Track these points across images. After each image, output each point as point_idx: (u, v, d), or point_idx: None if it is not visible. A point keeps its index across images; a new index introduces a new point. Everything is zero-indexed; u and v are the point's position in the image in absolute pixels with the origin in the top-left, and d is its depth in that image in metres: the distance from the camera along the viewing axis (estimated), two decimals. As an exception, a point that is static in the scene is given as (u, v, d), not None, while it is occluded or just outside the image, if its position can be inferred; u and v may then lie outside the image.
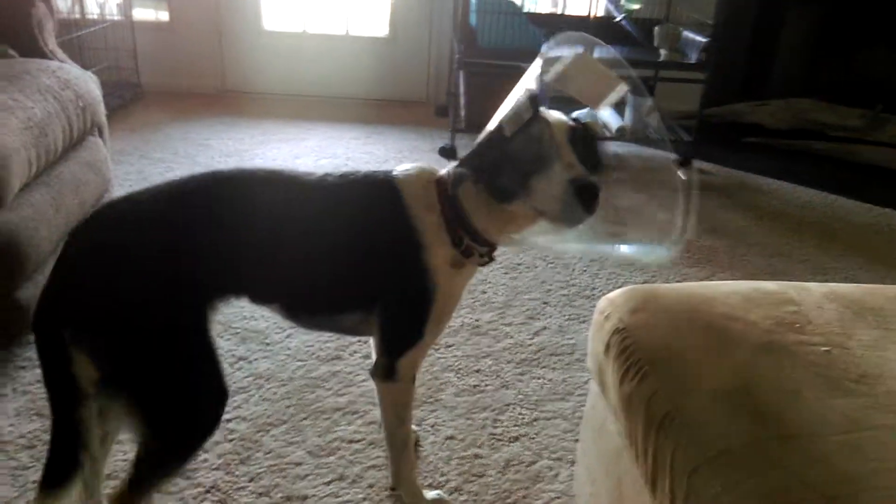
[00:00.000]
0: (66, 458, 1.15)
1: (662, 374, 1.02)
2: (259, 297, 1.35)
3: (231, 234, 1.21)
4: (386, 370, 1.33)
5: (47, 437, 1.21)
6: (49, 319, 1.13)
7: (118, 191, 2.61)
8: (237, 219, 1.22)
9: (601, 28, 3.99)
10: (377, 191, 1.28)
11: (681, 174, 1.35)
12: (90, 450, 1.16)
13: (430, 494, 1.54)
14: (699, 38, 3.69)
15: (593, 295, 2.46)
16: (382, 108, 4.55)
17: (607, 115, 3.92)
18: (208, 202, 1.23)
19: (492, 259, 1.31)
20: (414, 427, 1.66)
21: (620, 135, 3.87)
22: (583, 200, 1.07)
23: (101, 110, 2.46)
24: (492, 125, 1.20)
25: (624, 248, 1.16)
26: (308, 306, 1.37)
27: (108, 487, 1.32)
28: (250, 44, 4.53)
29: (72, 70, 2.38)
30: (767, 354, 1.03)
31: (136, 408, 1.15)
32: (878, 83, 3.94)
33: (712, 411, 0.93)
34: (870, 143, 3.81)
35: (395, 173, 1.30)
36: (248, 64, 4.56)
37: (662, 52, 3.82)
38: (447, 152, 3.77)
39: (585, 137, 1.16)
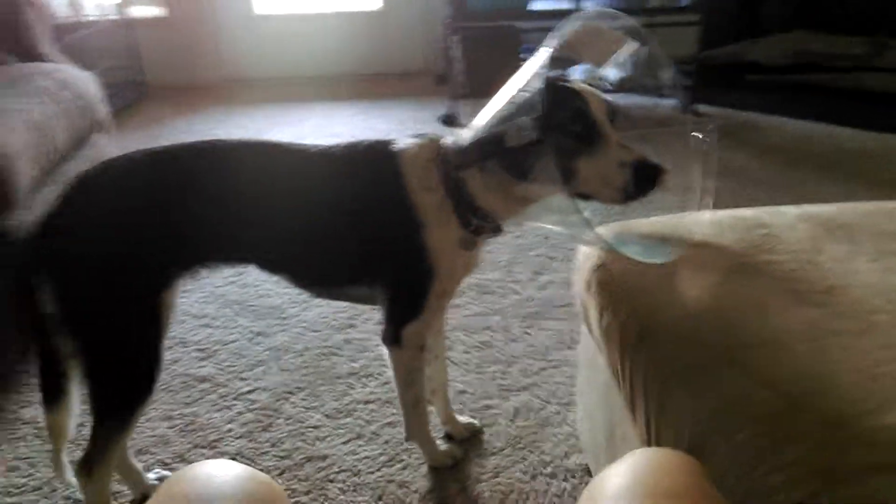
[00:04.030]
0: (52, 383, 1.26)
1: (637, 301, 1.06)
2: (265, 267, 1.38)
3: (224, 201, 1.24)
4: (392, 337, 1.36)
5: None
6: (25, 253, 1.21)
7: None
8: (232, 186, 1.25)
9: (592, -20, 3.97)
10: (377, 167, 1.26)
11: (698, 136, 1.24)
12: (71, 377, 1.25)
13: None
14: (690, -20, 3.66)
15: (597, 245, 2.50)
16: (382, 82, 4.59)
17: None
18: (203, 168, 1.26)
19: (501, 230, 1.30)
20: (471, 419, 1.72)
21: (620, 86, 3.87)
22: (646, 182, 1.05)
23: (102, 108, 2.54)
24: (492, 109, 1.15)
25: (625, 249, 1.13)
26: (312, 278, 1.40)
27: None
28: (244, 30, 4.59)
29: (69, 71, 2.46)
30: (736, 275, 1.07)
31: (80, 355, 1.21)
32: (878, 8, 3.87)
33: (682, 329, 0.97)
34: (871, 70, 3.76)
35: (397, 147, 1.26)
36: (245, 51, 4.62)
37: (654, -2, 3.80)
38: (449, 119, 3.80)
39: (614, 110, 1.13)
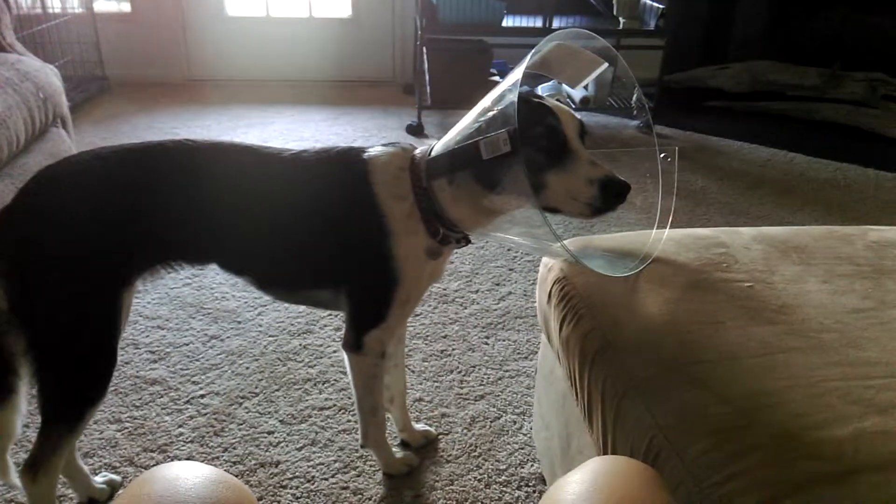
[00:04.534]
0: None
1: (596, 314, 1.08)
2: (228, 268, 1.37)
3: (190, 200, 1.23)
4: (353, 343, 1.35)
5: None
6: None
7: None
8: (200, 186, 1.24)
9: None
10: (347, 174, 1.26)
11: (664, 157, 1.28)
12: (20, 376, 1.22)
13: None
14: (657, 5, 3.74)
15: (558, 259, 2.53)
16: (350, 89, 4.58)
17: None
18: (167, 167, 1.24)
19: (469, 241, 1.31)
20: (428, 427, 1.71)
21: (585, 105, 3.93)
22: (612, 198, 1.07)
23: (63, 101, 2.48)
24: (466, 122, 1.16)
25: (588, 262, 1.14)
26: (277, 280, 1.39)
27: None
28: (214, 31, 4.53)
29: (31, 63, 2.40)
30: (694, 292, 1.10)
31: (31, 353, 1.18)
32: (835, 41, 4.01)
33: (639, 344, 0.99)
34: (827, 101, 3.88)
35: (369, 154, 1.27)
36: (213, 51, 4.56)
37: (622, 20, 3.87)
38: (414, 129, 3.81)
39: (583, 127, 1.15)
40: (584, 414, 1.06)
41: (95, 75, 4.26)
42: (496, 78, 3.92)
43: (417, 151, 1.27)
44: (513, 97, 1.03)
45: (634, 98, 1.38)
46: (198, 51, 4.57)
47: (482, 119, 1.11)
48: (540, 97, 1.16)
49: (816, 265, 1.18)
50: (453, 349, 2.04)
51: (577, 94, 3.91)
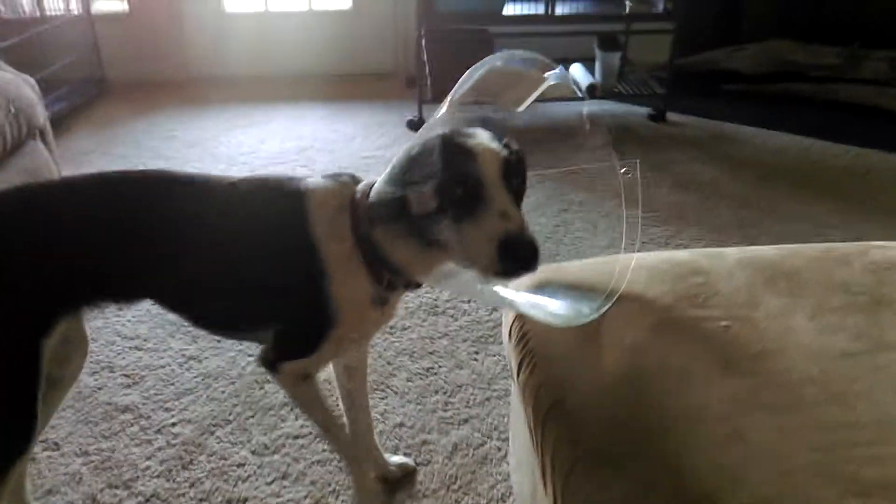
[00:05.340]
0: None
1: (550, 364, 0.97)
2: (161, 304, 1.28)
3: (116, 238, 1.15)
4: (268, 363, 1.23)
5: None
6: None
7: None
8: (124, 222, 1.16)
9: (566, -16, 3.87)
10: (285, 209, 1.16)
11: (624, 173, 1.10)
12: None
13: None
14: (664, -14, 3.56)
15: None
16: (351, 84, 4.46)
17: (578, 74, 3.83)
18: (96, 201, 1.17)
19: (419, 286, 1.20)
20: (405, 459, 1.62)
21: (591, 93, 3.78)
22: (512, 262, 0.91)
23: (40, 113, 2.40)
24: (399, 157, 1.05)
25: (538, 311, 1.03)
26: (210, 320, 1.30)
27: None
28: (213, 28, 4.45)
29: (3, 75, 2.33)
30: (661, 335, 0.98)
31: None
32: (854, 19, 3.79)
33: (592, 405, 0.88)
34: (848, 82, 3.68)
35: (309, 188, 1.16)
36: (212, 49, 4.48)
37: (628, 4, 3.69)
38: (415, 125, 3.69)
39: (519, 163, 1.01)
40: (539, 474, 0.95)
41: (93, 77, 4.20)
42: (499, 68, 3.78)
43: (359, 188, 1.15)
44: (435, 143, 0.92)
45: (585, 112, 1.23)
46: (196, 49, 4.49)
47: (407, 159, 1.01)
48: (466, 134, 1.00)
49: (806, 296, 1.06)
50: (440, 366, 1.94)
51: (584, 81, 3.75)
